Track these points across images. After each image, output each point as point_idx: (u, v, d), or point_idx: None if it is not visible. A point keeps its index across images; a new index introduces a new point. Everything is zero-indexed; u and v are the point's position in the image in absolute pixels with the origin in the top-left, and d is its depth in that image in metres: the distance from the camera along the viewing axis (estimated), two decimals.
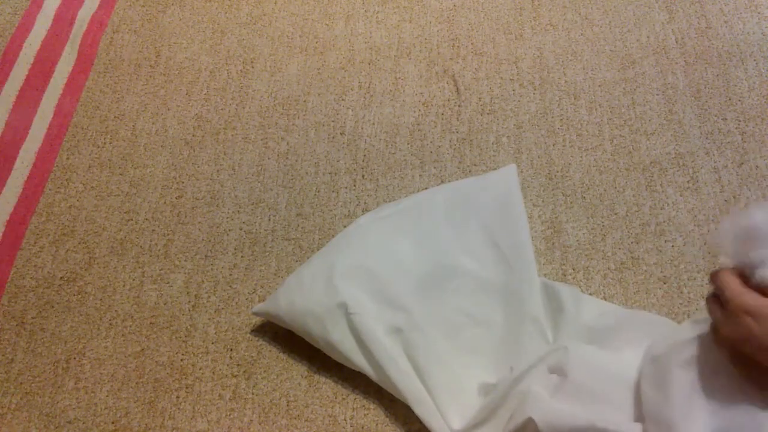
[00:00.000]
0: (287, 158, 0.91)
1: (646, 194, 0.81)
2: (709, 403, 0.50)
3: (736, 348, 0.48)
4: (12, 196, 0.91)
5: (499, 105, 0.91)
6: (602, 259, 0.77)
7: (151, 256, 0.85)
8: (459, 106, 0.92)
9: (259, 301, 0.79)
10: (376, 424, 0.70)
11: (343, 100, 0.95)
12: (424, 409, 0.65)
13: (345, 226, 0.81)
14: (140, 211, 0.89)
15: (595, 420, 0.55)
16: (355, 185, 0.87)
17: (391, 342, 0.70)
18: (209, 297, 0.81)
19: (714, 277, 0.51)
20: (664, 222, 0.79)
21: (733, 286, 0.49)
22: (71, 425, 0.74)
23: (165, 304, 0.81)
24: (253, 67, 1.00)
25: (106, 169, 0.93)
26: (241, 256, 0.83)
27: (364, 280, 0.73)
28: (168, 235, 0.86)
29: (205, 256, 0.84)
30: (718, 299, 0.50)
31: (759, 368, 0.48)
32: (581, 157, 0.85)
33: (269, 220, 0.86)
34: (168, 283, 0.82)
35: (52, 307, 0.82)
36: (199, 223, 0.87)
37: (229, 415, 0.73)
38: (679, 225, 0.78)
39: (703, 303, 0.66)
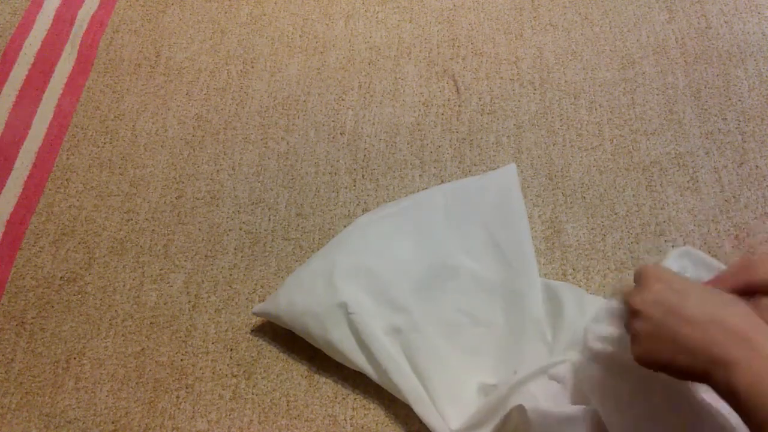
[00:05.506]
0: (287, 158, 0.91)
1: (646, 194, 0.81)
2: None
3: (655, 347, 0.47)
4: (12, 196, 0.91)
5: (499, 105, 0.91)
6: (602, 259, 0.77)
7: (151, 256, 0.85)
8: (459, 106, 0.92)
9: (259, 301, 0.79)
10: (376, 424, 0.70)
11: (343, 100, 0.95)
12: (423, 409, 0.65)
13: (345, 226, 0.81)
14: (140, 211, 0.89)
15: (582, 409, 0.56)
16: (355, 185, 0.87)
17: (391, 342, 0.70)
18: (209, 297, 0.81)
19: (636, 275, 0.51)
20: (664, 222, 0.79)
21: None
22: (71, 425, 0.74)
23: (165, 304, 0.81)
24: (253, 67, 1.00)
25: (106, 169, 0.93)
26: (241, 256, 0.83)
27: (364, 280, 0.73)
28: (168, 235, 0.86)
29: (205, 256, 0.84)
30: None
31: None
32: (581, 157, 0.85)
33: (269, 220, 0.86)
34: (168, 283, 0.82)
35: (52, 307, 0.82)
36: (199, 223, 0.87)
37: (229, 415, 0.73)
38: (679, 225, 0.78)
39: None
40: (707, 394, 0.50)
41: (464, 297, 0.73)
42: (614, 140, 0.86)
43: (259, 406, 0.73)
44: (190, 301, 0.81)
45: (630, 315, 0.48)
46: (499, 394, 0.63)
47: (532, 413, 0.58)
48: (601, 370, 0.55)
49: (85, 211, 0.90)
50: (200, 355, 0.77)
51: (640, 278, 0.50)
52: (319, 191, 0.87)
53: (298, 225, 0.85)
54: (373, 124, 0.92)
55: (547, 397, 0.60)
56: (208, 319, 0.79)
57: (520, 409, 0.59)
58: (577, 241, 0.79)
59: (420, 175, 0.87)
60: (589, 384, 0.56)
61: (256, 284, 0.81)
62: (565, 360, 0.63)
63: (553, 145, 0.86)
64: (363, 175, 0.88)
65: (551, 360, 0.64)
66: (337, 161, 0.89)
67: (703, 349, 0.42)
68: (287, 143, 0.92)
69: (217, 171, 0.91)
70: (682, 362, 0.44)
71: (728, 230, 0.78)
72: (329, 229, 0.84)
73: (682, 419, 0.51)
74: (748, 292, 0.46)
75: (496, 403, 0.63)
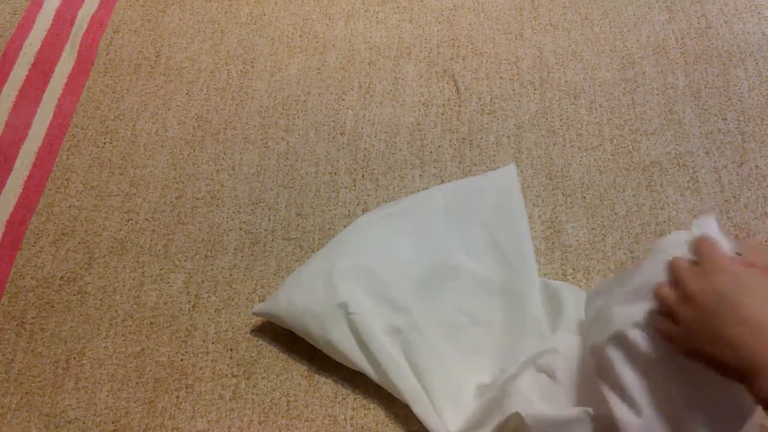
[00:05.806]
0: (287, 158, 0.91)
1: (646, 194, 0.81)
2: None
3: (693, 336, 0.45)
4: (12, 196, 0.91)
5: (499, 105, 0.91)
6: (602, 259, 0.77)
7: (151, 256, 0.85)
8: (459, 106, 0.92)
9: (259, 301, 0.79)
10: (376, 424, 0.70)
11: (343, 100, 0.95)
12: (422, 410, 0.65)
13: (345, 226, 0.81)
14: (140, 211, 0.89)
15: (580, 412, 0.56)
16: (355, 185, 0.87)
17: (391, 342, 0.70)
18: (209, 297, 0.81)
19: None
20: (664, 222, 0.79)
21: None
22: (71, 425, 0.74)
23: (165, 304, 0.81)
24: (253, 67, 1.00)
25: (106, 169, 0.93)
26: (241, 256, 0.83)
27: (364, 280, 0.73)
28: (168, 235, 0.86)
29: (205, 256, 0.84)
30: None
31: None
32: (581, 157, 0.85)
33: (269, 220, 0.86)
34: (168, 283, 0.82)
35: (52, 307, 0.82)
36: (199, 223, 0.87)
37: (229, 415, 0.73)
38: (679, 225, 0.78)
39: None
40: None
41: (464, 297, 0.73)
42: (614, 140, 0.86)
43: (259, 406, 0.73)
44: (190, 301, 0.81)
45: (679, 295, 0.46)
46: (491, 395, 0.63)
47: (530, 420, 0.58)
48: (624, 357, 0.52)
49: (85, 211, 0.90)
50: (200, 355, 0.77)
51: (702, 259, 0.48)
52: (319, 191, 0.87)
53: (298, 225, 0.85)
54: (373, 124, 0.92)
55: (540, 395, 0.60)
56: (208, 319, 0.79)
57: (518, 416, 0.59)
58: (577, 241, 0.79)
59: (420, 175, 0.87)
60: (602, 371, 0.54)
61: (256, 284, 0.81)
62: (555, 349, 0.63)
63: (553, 145, 0.86)
64: (363, 175, 0.88)
65: (539, 350, 0.64)
66: (337, 161, 0.89)
67: (747, 352, 0.41)
68: (287, 143, 0.92)
69: (217, 171, 0.91)
70: (721, 358, 0.43)
71: (728, 230, 0.77)
72: (329, 229, 0.84)
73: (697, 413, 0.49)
74: None
75: (489, 404, 0.63)
